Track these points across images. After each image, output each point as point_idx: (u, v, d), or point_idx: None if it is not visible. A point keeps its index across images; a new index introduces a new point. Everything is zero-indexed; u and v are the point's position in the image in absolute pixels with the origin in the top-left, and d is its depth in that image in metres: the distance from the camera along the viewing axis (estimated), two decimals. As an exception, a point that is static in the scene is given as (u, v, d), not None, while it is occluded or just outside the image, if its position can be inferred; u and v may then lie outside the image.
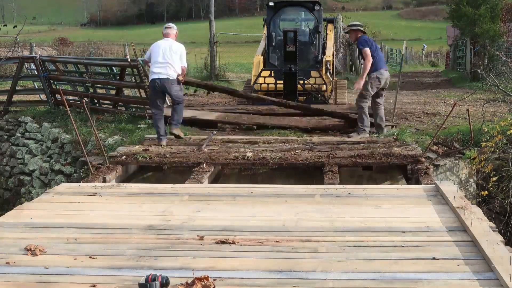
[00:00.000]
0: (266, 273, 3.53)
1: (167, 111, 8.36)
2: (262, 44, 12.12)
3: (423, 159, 6.89)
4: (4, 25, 10.33)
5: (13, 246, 4.06)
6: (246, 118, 9.33)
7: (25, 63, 11.47)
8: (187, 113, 9.17)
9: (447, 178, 7.18)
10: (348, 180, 6.88)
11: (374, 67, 8.20)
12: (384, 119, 8.55)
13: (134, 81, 9.87)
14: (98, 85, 10.73)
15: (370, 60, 8.12)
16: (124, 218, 4.78)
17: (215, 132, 8.65)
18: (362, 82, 8.20)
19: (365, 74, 8.17)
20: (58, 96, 10.53)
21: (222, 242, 4.09)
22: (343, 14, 32.37)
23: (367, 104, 8.31)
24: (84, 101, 7.90)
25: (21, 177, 9.95)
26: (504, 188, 6.90)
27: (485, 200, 7.04)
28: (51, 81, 10.67)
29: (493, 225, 4.47)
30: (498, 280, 3.34)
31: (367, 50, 8.16)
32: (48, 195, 5.64)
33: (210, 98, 13.65)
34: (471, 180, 7.37)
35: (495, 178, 6.79)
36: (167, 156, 7.20)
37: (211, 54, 18.71)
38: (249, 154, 7.20)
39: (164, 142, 7.79)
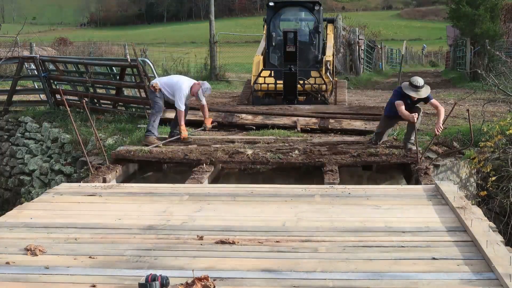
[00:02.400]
0: (266, 273, 3.53)
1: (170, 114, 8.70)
2: (262, 44, 12.11)
3: (424, 158, 6.90)
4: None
5: (13, 246, 4.07)
6: (245, 118, 9.33)
7: (25, 63, 11.46)
8: (189, 116, 9.19)
9: (447, 178, 7.17)
10: (348, 180, 6.88)
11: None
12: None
13: (134, 81, 9.87)
14: (98, 85, 10.73)
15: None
16: (124, 218, 4.78)
17: (201, 129, 8.65)
18: None
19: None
20: (58, 96, 10.53)
21: (222, 242, 4.09)
22: (343, 14, 32.34)
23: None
24: (84, 101, 7.91)
25: (21, 177, 9.96)
26: (504, 188, 6.90)
27: (485, 200, 7.04)
28: (51, 81, 10.67)
29: (493, 225, 4.47)
30: (498, 280, 3.34)
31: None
32: (48, 195, 5.64)
33: (210, 98, 13.63)
34: (471, 180, 7.36)
35: (494, 178, 6.79)
36: (168, 154, 7.23)
37: (211, 54, 18.69)
38: (249, 153, 7.21)
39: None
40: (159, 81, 8.09)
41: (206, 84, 8.10)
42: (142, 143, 7.86)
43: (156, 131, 8.02)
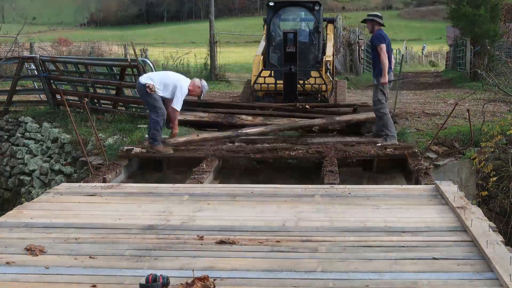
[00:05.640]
0: (266, 273, 3.53)
1: None
2: (262, 44, 12.12)
3: (420, 152, 6.93)
4: None
5: (13, 246, 4.06)
6: (245, 119, 9.33)
7: (25, 63, 11.46)
8: (188, 116, 9.20)
9: (447, 178, 7.17)
10: (348, 180, 6.87)
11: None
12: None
13: (134, 81, 9.87)
14: (98, 85, 10.73)
15: (386, 55, 7.71)
16: (124, 218, 4.77)
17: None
18: (387, 77, 7.75)
19: (386, 69, 7.72)
20: (58, 96, 10.53)
21: (222, 242, 4.09)
22: (343, 14, 32.34)
23: (387, 108, 7.94)
24: (84, 101, 7.91)
25: (21, 177, 9.96)
26: (504, 188, 6.90)
27: (485, 200, 7.04)
28: (51, 81, 10.67)
29: (493, 225, 4.46)
30: (498, 280, 3.34)
31: (383, 46, 7.72)
32: (48, 195, 5.64)
33: (210, 99, 13.64)
34: (471, 180, 7.36)
35: (494, 178, 6.79)
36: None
37: (211, 54, 18.69)
38: (249, 153, 7.21)
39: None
40: (151, 80, 7.23)
41: (206, 85, 7.50)
42: (149, 150, 7.34)
43: (161, 137, 7.42)
